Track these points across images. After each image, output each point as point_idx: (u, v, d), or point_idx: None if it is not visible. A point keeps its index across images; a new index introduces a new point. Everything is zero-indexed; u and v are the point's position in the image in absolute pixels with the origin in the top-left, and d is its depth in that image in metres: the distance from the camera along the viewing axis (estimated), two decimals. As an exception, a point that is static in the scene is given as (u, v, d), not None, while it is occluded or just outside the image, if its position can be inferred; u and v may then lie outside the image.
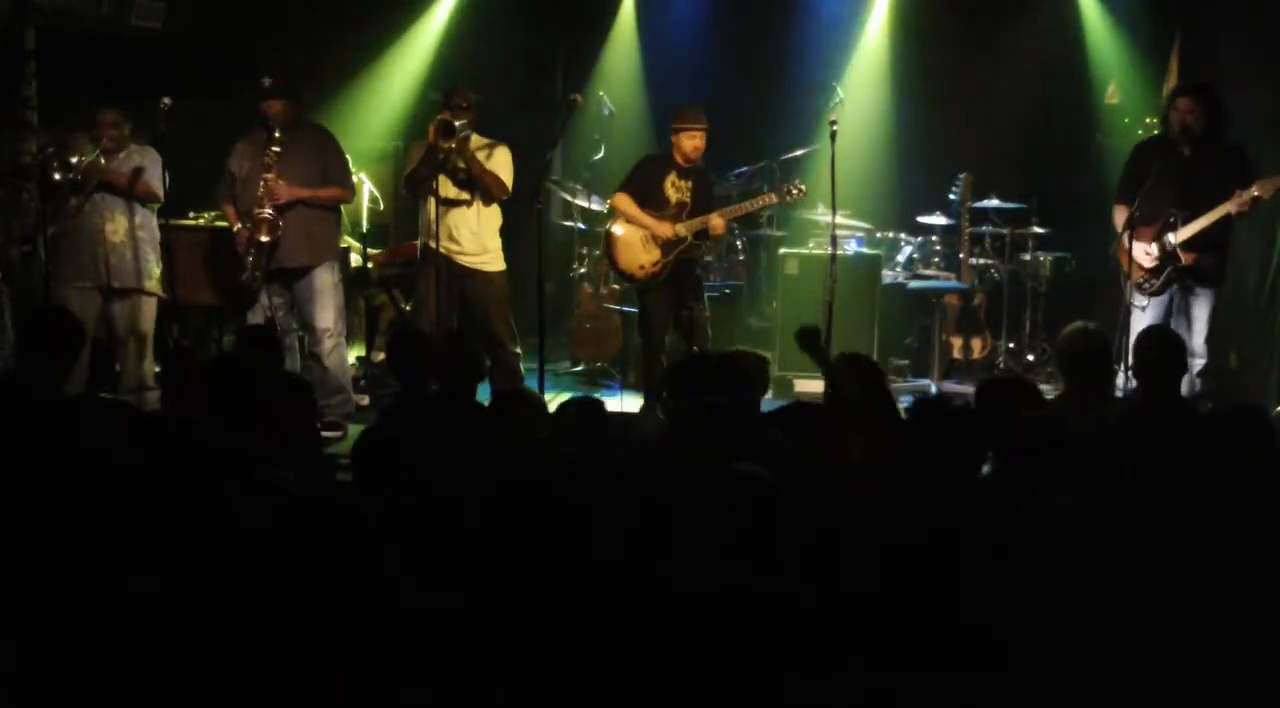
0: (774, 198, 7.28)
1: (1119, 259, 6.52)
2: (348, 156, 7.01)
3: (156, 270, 6.90)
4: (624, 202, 7.10)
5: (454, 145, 6.67)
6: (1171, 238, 6.28)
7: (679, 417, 3.95)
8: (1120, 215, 6.45)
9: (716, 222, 7.00)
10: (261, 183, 6.59)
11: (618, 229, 7.14)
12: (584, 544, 2.70)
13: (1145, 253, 6.34)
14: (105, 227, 6.76)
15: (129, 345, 6.84)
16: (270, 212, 6.58)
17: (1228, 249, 6.53)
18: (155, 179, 6.79)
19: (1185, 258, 6.29)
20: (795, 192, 7.17)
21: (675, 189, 7.04)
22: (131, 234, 6.82)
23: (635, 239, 7.07)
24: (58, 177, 6.48)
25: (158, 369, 6.85)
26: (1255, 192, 6.15)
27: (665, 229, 7.00)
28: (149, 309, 6.91)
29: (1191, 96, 6.32)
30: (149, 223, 6.90)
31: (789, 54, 9.44)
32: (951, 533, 2.64)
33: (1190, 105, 6.27)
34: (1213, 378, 6.64)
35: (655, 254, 7.04)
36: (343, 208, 7.14)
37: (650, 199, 7.06)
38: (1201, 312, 6.41)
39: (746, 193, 8.33)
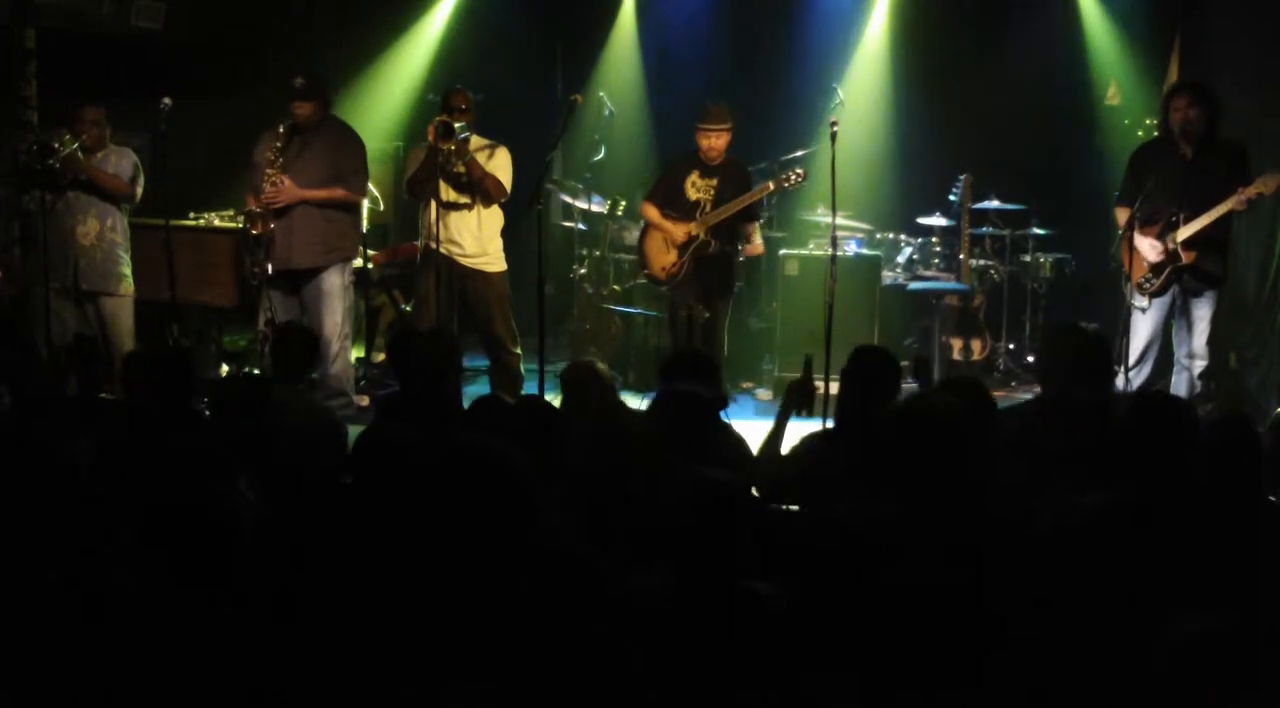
0: (771, 186, 7.26)
1: (1120, 260, 6.52)
2: (364, 156, 6.93)
3: (128, 271, 6.91)
4: (648, 210, 7.29)
5: (454, 147, 6.66)
6: (1174, 237, 6.28)
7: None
8: (1122, 217, 6.45)
9: (755, 245, 7.50)
10: (265, 178, 6.59)
11: (647, 233, 7.33)
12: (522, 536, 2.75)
13: (1150, 247, 6.34)
14: (76, 229, 6.76)
15: (109, 348, 6.81)
16: (261, 207, 6.57)
17: (1228, 249, 6.53)
18: (131, 180, 6.81)
19: (1186, 257, 6.28)
20: (794, 177, 7.17)
21: (695, 188, 7.14)
22: (102, 236, 6.82)
23: (658, 243, 7.25)
24: (38, 166, 6.48)
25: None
26: (1258, 188, 6.15)
27: (678, 233, 7.11)
28: (121, 311, 6.90)
29: (1189, 94, 6.32)
30: (121, 225, 6.89)
31: (789, 55, 9.44)
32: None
33: (1189, 103, 6.26)
34: (1213, 379, 6.63)
35: (674, 255, 7.18)
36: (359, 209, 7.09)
37: (674, 201, 7.18)
38: (1202, 313, 6.40)
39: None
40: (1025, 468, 3.62)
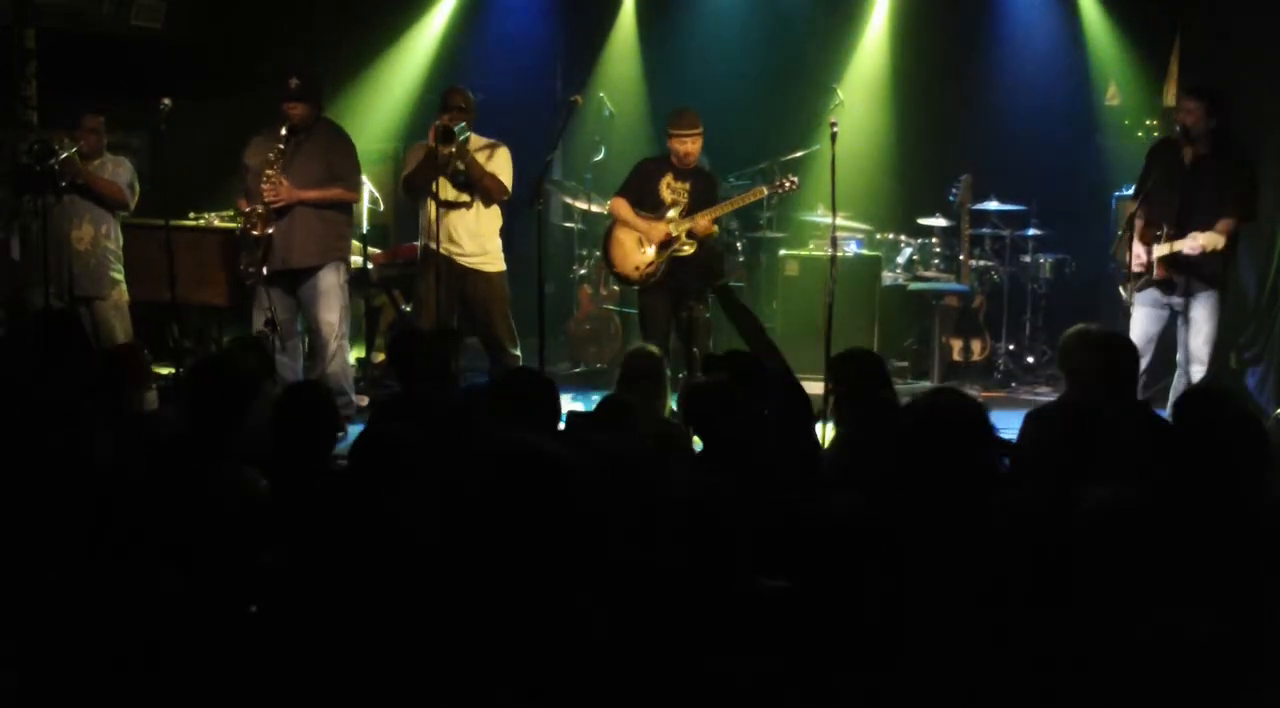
0: (764, 191, 7.21)
1: (1119, 260, 6.52)
2: (356, 156, 6.92)
3: (120, 278, 6.93)
4: (619, 206, 7.09)
5: (454, 150, 6.65)
6: (1155, 250, 6.26)
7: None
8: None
9: (702, 223, 6.88)
10: (264, 180, 6.60)
11: (614, 232, 7.14)
12: (589, 541, 2.70)
13: (1140, 251, 6.34)
14: (71, 234, 6.78)
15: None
16: (261, 208, 6.58)
17: (1230, 254, 6.50)
18: (128, 185, 6.83)
19: (1159, 272, 6.26)
20: (787, 184, 7.11)
21: (671, 191, 7.01)
22: (96, 242, 6.85)
23: (630, 241, 7.05)
24: (38, 167, 6.49)
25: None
26: (1207, 242, 6.08)
27: (657, 230, 6.98)
28: (114, 316, 6.92)
29: (1193, 98, 6.29)
30: (115, 233, 6.92)
31: (789, 55, 9.45)
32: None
33: (1190, 106, 6.25)
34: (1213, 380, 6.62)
35: (649, 255, 7.03)
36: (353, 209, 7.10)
37: (647, 201, 7.03)
38: (1199, 314, 6.34)
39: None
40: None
